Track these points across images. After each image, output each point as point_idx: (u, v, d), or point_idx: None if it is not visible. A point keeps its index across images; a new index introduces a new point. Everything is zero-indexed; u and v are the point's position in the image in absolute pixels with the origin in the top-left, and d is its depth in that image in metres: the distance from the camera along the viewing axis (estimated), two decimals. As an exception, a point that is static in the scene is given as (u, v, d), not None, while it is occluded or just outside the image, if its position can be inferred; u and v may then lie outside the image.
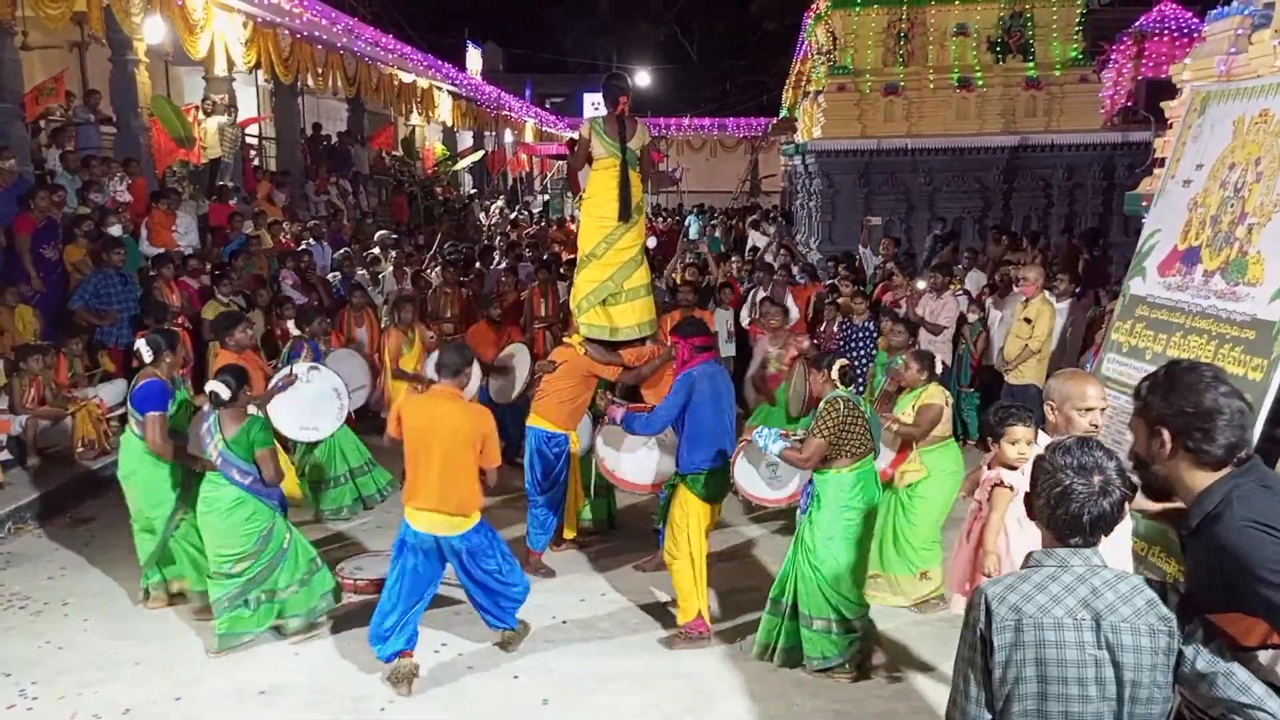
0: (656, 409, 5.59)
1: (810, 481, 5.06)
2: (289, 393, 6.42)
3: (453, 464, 4.82)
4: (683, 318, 6.44)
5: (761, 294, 10.06)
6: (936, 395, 5.83)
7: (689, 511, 5.39)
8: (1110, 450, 2.41)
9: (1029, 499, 2.46)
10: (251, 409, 5.61)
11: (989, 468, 4.35)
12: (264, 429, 5.33)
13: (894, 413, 5.96)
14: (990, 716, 2.36)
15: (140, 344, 5.78)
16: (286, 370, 6.58)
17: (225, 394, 5.19)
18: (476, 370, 7.66)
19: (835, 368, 5.04)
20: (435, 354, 7.80)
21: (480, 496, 4.98)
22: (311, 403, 6.56)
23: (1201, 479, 2.42)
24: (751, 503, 6.16)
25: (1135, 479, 2.48)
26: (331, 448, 7.43)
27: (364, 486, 7.65)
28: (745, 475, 5.60)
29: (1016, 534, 4.13)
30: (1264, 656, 2.45)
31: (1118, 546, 3.72)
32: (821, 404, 4.99)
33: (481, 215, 22.51)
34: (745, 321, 10.12)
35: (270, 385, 6.48)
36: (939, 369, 5.94)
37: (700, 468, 5.35)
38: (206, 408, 5.36)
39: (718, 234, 20.33)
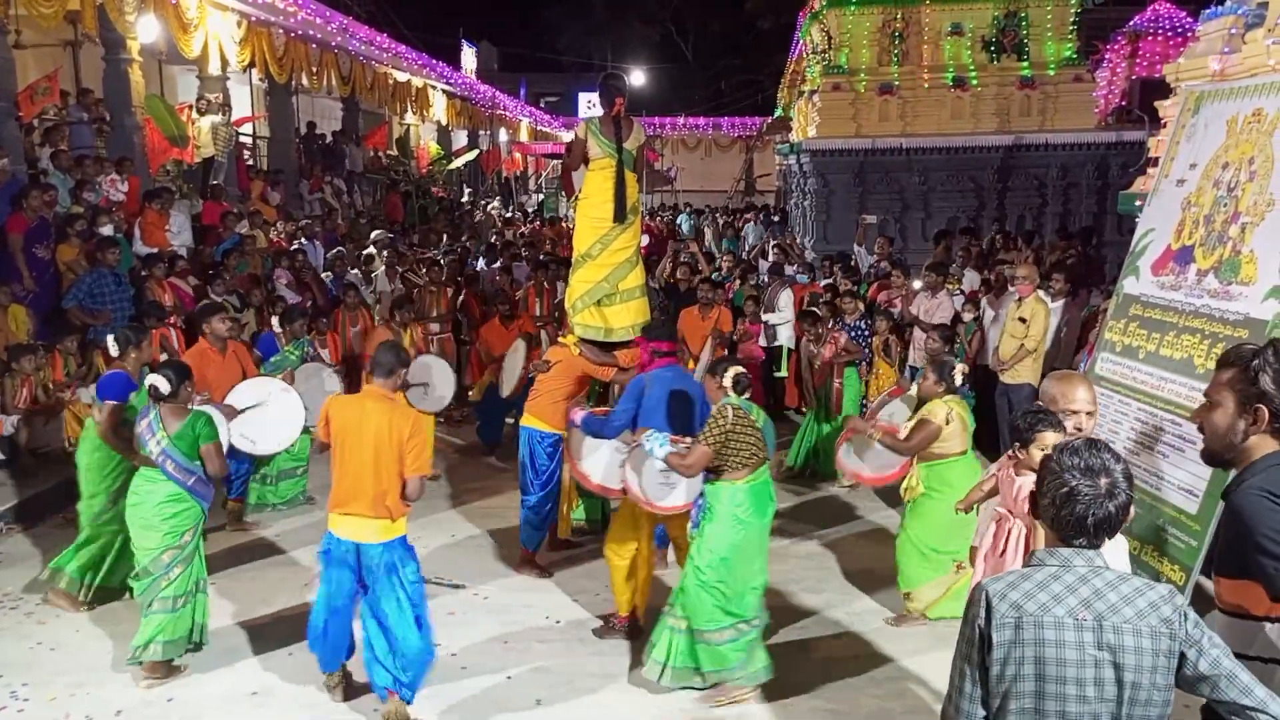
0: (612, 413, 5.57)
1: (702, 494, 4.91)
2: (252, 406, 6.33)
3: (377, 466, 4.52)
4: (654, 321, 6.29)
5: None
6: (937, 411, 5.59)
7: (638, 512, 5.39)
8: (1118, 453, 2.40)
9: (1034, 498, 2.45)
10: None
11: (1016, 474, 4.15)
12: (209, 424, 5.19)
13: (906, 423, 5.79)
14: (985, 714, 2.35)
15: (108, 339, 5.83)
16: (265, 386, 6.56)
17: (165, 388, 5.08)
18: (448, 375, 7.86)
19: (728, 375, 4.83)
20: (422, 358, 7.98)
21: (406, 506, 4.64)
22: (266, 420, 6.43)
23: (1259, 453, 2.50)
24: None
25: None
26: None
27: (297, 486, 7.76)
28: (631, 478, 5.23)
29: None
30: (1272, 631, 2.47)
31: (1116, 548, 3.70)
32: (712, 411, 4.83)
33: (478, 214, 22.51)
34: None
35: (241, 402, 6.37)
36: (959, 380, 5.70)
37: None
38: (148, 403, 5.21)
39: (708, 235, 20.32)
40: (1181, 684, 2.28)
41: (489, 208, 24.07)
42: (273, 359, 7.81)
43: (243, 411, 6.27)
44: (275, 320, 8.31)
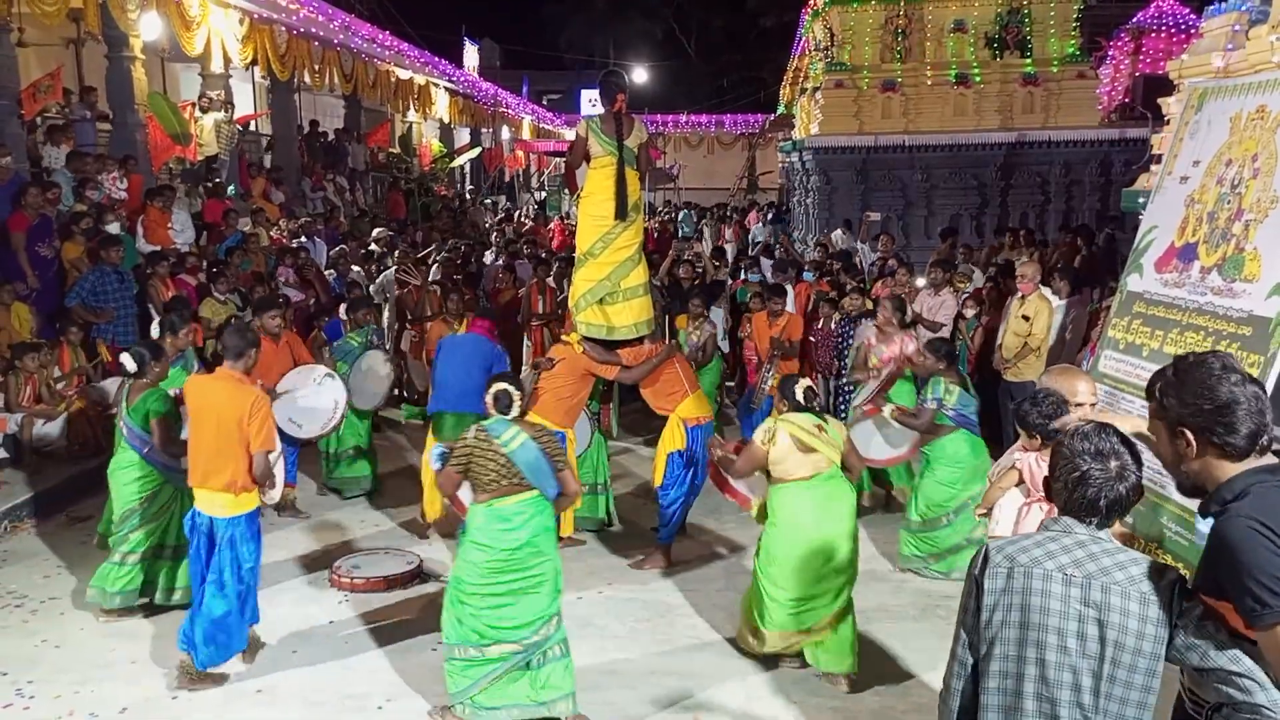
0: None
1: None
2: (297, 391, 6.76)
3: (220, 443, 4.87)
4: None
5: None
6: (760, 433, 5.07)
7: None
8: (1127, 437, 2.46)
9: (1048, 482, 2.51)
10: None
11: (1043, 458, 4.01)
12: (161, 400, 5.63)
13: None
14: (973, 660, 2.43)
15: (124, 358, 5.82)
16: (320, 371, 7.03)
17: (131, 367, 5.64)
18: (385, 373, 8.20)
19: (490, 393, 4.65)
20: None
21: (251, 482, 4.94)
22: (311, 405, 6.81)
23: (1228, 470, 2.41)
24: None
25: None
26: (348, 424, 7.68)
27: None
28: None
29: None
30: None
31: None
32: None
33: (470, 210, 22.47)
34: None
35: (285, 382, 6.83)
36: (800, 396, 5.05)
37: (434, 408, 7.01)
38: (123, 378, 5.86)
39: (707, 234, 20.28)
40: (1172, 655, 2.32)
41: (485, 205, 24.06)
42: (336, 343, 8.29)
43: (287, 391, 6.69)
44: (342, 309, 8.78)
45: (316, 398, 6.82)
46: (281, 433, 6.39)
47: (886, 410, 6.48)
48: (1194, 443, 2.42)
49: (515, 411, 4.63)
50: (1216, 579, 2.36)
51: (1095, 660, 2.30)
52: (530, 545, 4.51)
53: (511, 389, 4.64)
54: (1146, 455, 2.55)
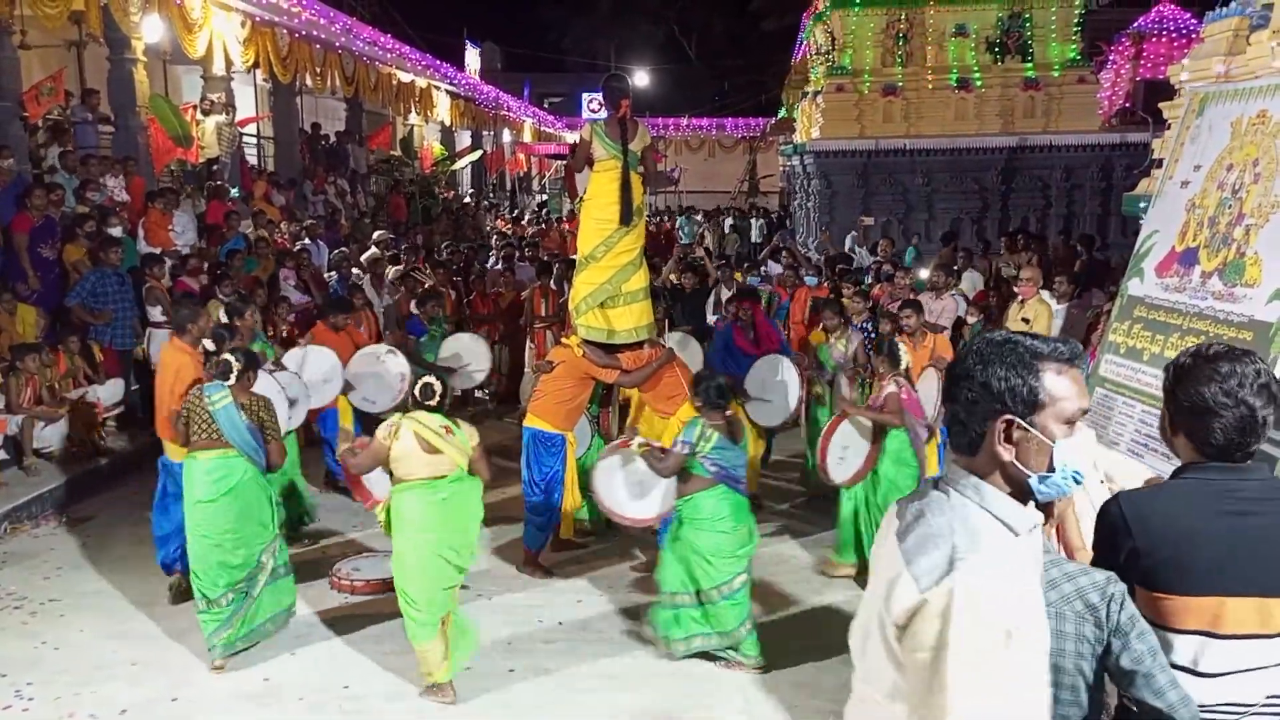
0: None
1: None
2: (364, 372, 7.55)
3: (166, 401, 5.77)
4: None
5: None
6: (383, 428, 4.86)
7: None
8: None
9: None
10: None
11: None
12: None
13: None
14: None
15: (205, 341, 6.05)
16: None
17: (212, 346, 5.88)
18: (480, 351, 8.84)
19: (215, 366, 5.40)
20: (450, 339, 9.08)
21: (168, 434, 5.70)
22: (379, 382, 7.60)
23: (1195, 459, 2.49)
24: None
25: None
26: None
27: None
28: None
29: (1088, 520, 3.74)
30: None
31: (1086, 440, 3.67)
32: None
33: (489, 219, 22.48)
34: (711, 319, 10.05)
35: (350, 367, 7.51)
36: (422, 396, 4.87)
37: None
38: None
39: (709, 239, 20.24)
40: (1108, 674, 2.27)
41: (486, 206, 24.08)
42: (421, 340, 9.03)
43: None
44: (413, 303, 9.60)
45: (384, 374, 7.55)
46: (357, 412, 7.67)
47: (635, 443, 5.55)
48: (1169, 431, 2.55)
49: (233, 379, 5.28)
50: None
51: None
52: (227, 503, 5.15)
53: (232, 360, 5.31)
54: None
